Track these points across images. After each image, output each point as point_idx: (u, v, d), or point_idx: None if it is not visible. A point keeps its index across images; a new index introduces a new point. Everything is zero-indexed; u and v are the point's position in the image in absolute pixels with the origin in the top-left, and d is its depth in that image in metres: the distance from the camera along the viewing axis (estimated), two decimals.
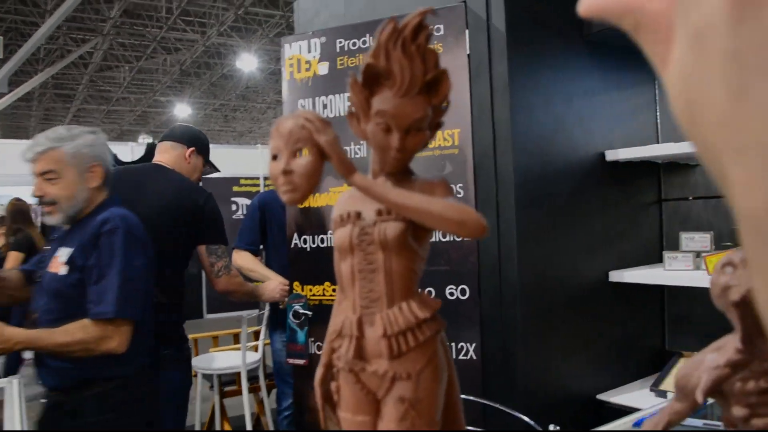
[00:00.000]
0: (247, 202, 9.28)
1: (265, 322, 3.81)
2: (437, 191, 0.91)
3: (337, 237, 0.94)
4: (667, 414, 0.65)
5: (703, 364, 0.58)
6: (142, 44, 14.06)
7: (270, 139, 0.92)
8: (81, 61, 14.51)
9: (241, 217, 9.20)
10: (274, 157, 0.91)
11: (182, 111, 17.97)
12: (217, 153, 10.23)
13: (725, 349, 0.57)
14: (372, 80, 0.90)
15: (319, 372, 1.00)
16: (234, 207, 9.15)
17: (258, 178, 9.44)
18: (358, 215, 0.92)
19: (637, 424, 1.49)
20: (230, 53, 14.70)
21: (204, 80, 16.65)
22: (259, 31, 13.52)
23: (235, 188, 9.22)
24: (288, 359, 2.95)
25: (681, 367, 0.60)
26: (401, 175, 0.95)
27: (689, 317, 3.13)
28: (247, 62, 14.18)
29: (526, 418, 1.70)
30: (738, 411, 0.56)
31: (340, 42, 2.87)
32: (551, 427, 1.80)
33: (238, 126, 23.43)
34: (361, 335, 0.90)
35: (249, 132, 24.53)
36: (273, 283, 3.12)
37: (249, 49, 13.92)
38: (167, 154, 2.83)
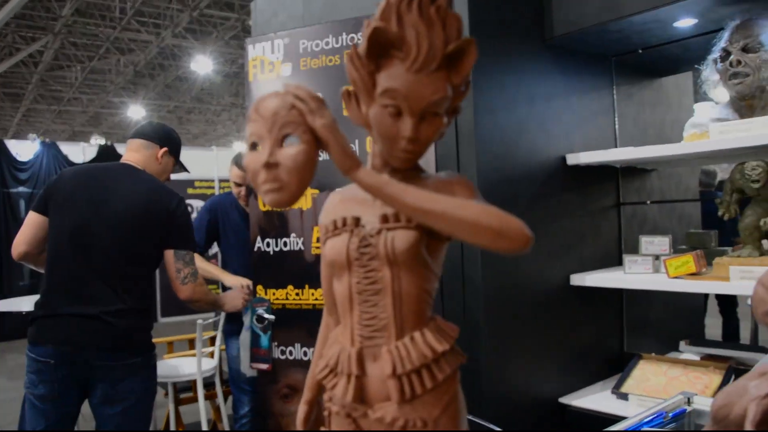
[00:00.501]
0: (202, 204, 9.13)
1: (220, 327, 3.73)
2: (457, 192, 0.73)
3: (329, 249, 0.76)
4: None
5: (746, 393, 0.53)
6: (94, 44, 13.71)
7: (247, 123, 0.74)
8: (31, 59, 14.08)
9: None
10: (253, 146, 0.73)
11: (136, 112, 17.58)
12: None
13: None
14: (379, 50, 0.72)
15: (301, 411, 0.85)
16: (188, 209, 8.98)
17: (213, 181, 9.29)
18: (357, 222, 0.75)
19: None
20: (185, 55, 14.45)
21: (158, 82, 16.33)
22: (214, 33, 13.32)
23: (190, 190, 9.06)
24: (251, 363, 2.89)
25: (717, 396, 0.55)
26: (409, 172, 0.76)
27: (647, 320, 3.18)
28: (202, 64, 13.95)
29: (497, 429, 1.65)
30: None
31: (303, 43, 2.83)
32: None
33: (193, 128, 23.06)
34: (362, 373, 0.72)
35: (203, 134, 24.18)
36: (234, 293, 3.04)
37: (204, 51, 13.70)
38: (138, 154, 2.70)
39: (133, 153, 2.71)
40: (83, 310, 2.35)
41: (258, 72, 2.94)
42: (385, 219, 0.72)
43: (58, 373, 2.32)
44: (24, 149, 8.86)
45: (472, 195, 0.73)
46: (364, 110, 0.75)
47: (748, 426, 0.51)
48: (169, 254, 2.54)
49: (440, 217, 0.65)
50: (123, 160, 2.70)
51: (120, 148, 8.50)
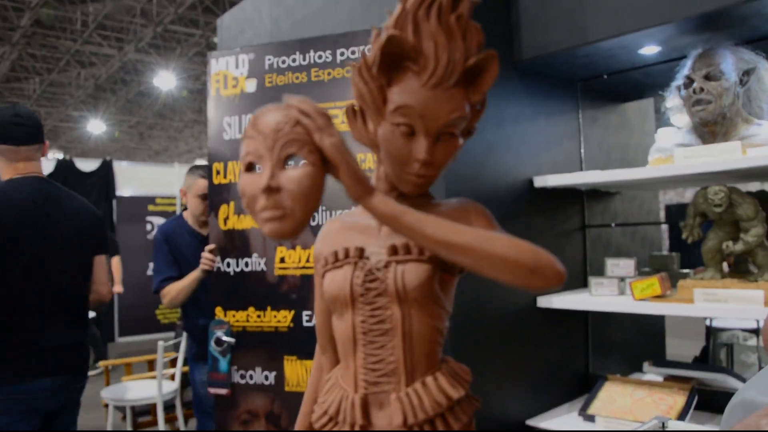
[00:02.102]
0: (163, 221, 8.97)
1: (182, 349, 3.64)
2: (474, 221, 0.65)
3: (329, 284, 0.67)
4: None
5: (760, 429, 0.51)
6: (54, 56, 13.47)
7: (243, 139, 0.63)
8: None
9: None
10: (250, 167, 0.64)
11: (96, 127, 17.28)
12: (133, 171, 9.88)
13: None
14: (391, 62, 0.64)
15: None
16: (149, 227, 8.81)
17: (174, 198, 9.15)
18: (361, 253, 0.67)
19: None
20: (148, 70, 14.28)
21: (120, 96, 16.10)
22: (178, 49, 13.21)
23: (151, 207, 8.89)
24: (209, 389, 2.81)
25: (739, 424, 0.53)
26: (419, 198, 0.69)
27: (611, 341, 3.20)
28: (165, 80, 13.80)
29: None
30: None
31: (269, 59, 2.80)
32: None
33: (155, 144, 22.76)
34: (366, 423, 0.65)
35: (165, 151, 23.87)
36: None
37: (167, 66, 13.57)
38: (38, 163, 2.49)
39: (36, 164, 2.48)
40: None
41: (221, 87, 2.89)
42: (394, 251, 0.64)
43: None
44: None
45: (490, 225, 0.68)
46: (372, 128, 0.67)
47: None
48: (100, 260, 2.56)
49: (465, 250, 0.58)
50: (32, 173, 2.45)
51: (79, 163, 8.33)
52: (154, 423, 3.74)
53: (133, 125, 19.59)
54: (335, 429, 0.67)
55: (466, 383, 0.67)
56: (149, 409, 3.85)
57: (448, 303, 0.67)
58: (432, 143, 0.65)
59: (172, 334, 3.63)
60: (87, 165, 8.42)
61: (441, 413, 0.63)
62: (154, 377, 3.66)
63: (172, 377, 3.71)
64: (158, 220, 8.85)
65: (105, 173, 8.41)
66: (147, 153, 24.03)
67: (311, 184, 0.61)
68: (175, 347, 3.89)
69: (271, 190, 0.61)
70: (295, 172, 0.62)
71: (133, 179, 9.08)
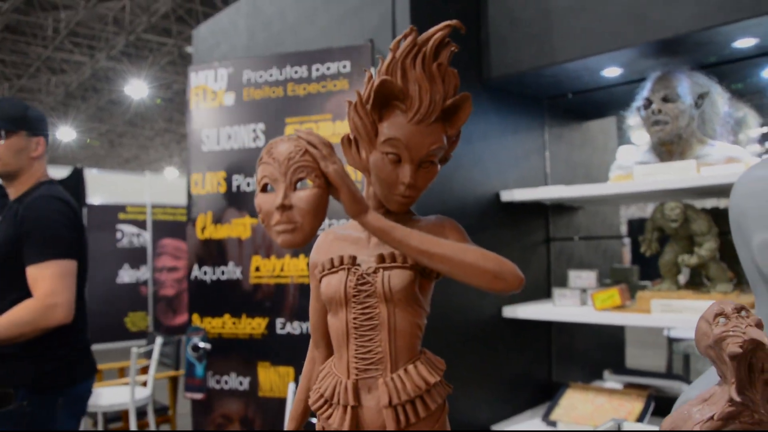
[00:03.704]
0: (134, 230, 8.93)
1: (155, 356, 3.67)
2: (449, 235, 0.79)
3: (326, 286, 0.79)
4: None
5: (691, 418, 0.60)
6: (24, 62, 13.32)
7: (259, 164, 0.77)
8: None
9: (126, 245, 8.83)
10: (264, 188, 0.77)
11: (65, 134, 17.09)
12: (104, 179, 9.79)
13: (713, 400, 0.58)
14: (383, 101, 0.77)
15: None
16: (119, 235, 8.77)
17: (145, 206, 9.11)
18: (353, 261, 0.79)
19: None
20: (119, 78, 14.19)
21: (90, 104, 15.96)
22: (150, 57, 13.17)
23: (121, 215, 8.84)
24: (186, 393, 2.86)
25: (664, 422, 0.62)
26: (404, 215, 0.82)
27: (573, 350, 3.31)
28: (137, 88, 13.74)
29: None
30: None
31: (247, 73, 2.88)
32: None
33: (125, 152, 22.55)
34: (357, 404, 0.76)
35: (136, 159, 23.66)
36: None
37: (139, 75, 13.51)
38: None
39: None
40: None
41: (200, 100, 2.96)
42: (381, 259, 0.76)
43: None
44: None
45: (463, 238, 0.80)
46: (364, 156, 0.79)
47: None
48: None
49: (443, 259, 0.72)
50: None
51: (49, 171, 8.21)
52: (126, 429, 3.77)
53: (104, 133, 19.41)
54: (330, 410, 0.78)
55: (441, 371, 0.79)
56: (120, 416, 3.87)
57: (426, 303, 0.79)
58: (415, 170, 0.78)
59: (140, 341, 3.65)
60: (58, 172, 8.36)
61: (420, 395, 0.75)
62: (126, 384, 3.68)
63: (144, 384, 3.73)
64: (129, 229, 8.80)
65: (76, 180, 8.36)
66: (117, 161, 23.79)
67: (318, 203, 0.74)
68: (147, 355, 3.92)
69: (284, 207, 0.74)
70: (305, 193, 0.74)
71: (103, 187, 9.02)
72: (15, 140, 2.19)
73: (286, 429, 0.88)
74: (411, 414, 0.75)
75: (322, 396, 0.79)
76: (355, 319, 0.77)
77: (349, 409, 0.76)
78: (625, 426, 1.70)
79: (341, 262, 0.79)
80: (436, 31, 0.77)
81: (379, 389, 0.75)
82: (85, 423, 3.69)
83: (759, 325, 0.56)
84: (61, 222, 2.17)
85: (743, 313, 0.57)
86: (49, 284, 2.05)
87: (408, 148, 0.77)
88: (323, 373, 0.81)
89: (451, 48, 0.78)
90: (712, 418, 0.57)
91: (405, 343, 0.77)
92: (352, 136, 0.81)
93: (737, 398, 0.56)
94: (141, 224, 9.01)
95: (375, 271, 0.77)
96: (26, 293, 2.08)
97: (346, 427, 0.75)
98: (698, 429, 0.58)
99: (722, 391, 0.58)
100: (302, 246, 0.76)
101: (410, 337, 0.77)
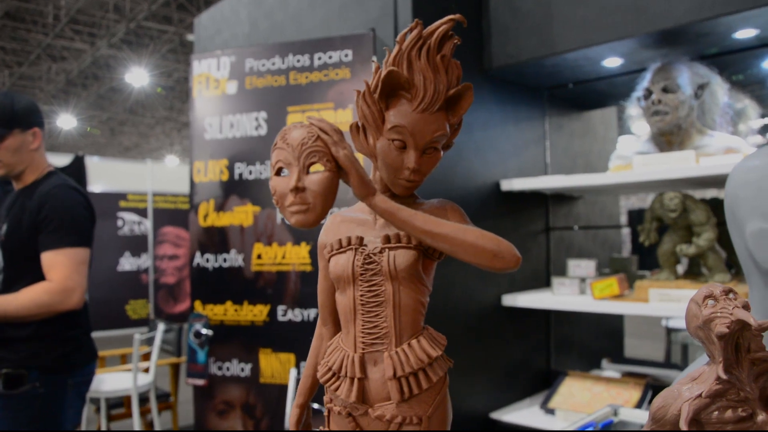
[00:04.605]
0: (135, 218, 8.95)
1: (156, 343, 3.70)
2: (450, 216, 0.83)
3: (334, 265, 0.83)
4: None
5: (681, 396, 0.63)
6: (24, 50, 13.30)
7: (273, 149, 0.82)
8: None
9: (128, 233, 8.86)
10: (278, 171, 0.81)
11: (66, 122, 17.08)
12: (105, 166, 9.79)
13: (702, 379, 0.61)
14: (389, 91, 0.81)
15: (294, 414, 0.92)
16: (120, 222, 8.79)
17: (146, 194, 9.13)
18: (361, 241, 0.83)
19: None
20: (120, 66, 14.17)
21: (91, 92, 15.94)
22: (150, 45, 13.14)
23: (123, 203, 8.86)
24: (188, 379, 2.89)
25: (655, 399, 0.65)
26: (408, 198, 0.85)
27: (572, 339, 3.34)
28: (137, 76, 13.72)
29: None
30: None
31: (250, 62, 2.89)
32: None
33: (126, 140, 22.54)
34: (363, 376, 0.80)
35: (136, 147, 23.65)
36: None
37: (140, 63, 13.49)
38: None
39: None
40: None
41: (203, 88, 2.97)
42: (387, 239, 0.80)
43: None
44: None
45: (463, 220, 0.83)
46: (372, 142, 0.83)
47: (683, 424, 0.61)
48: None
49: (444, 239, 0.75)
50: None
51: (51, 158, 8.22)
52: (128, 415, 3.81)
53: (104, 121, 19.39)
54: (337, 382, 0.82)
55: (443, 346, 0.83)
56: (122, 402, 3.91)
57: (429, 282, 0.83)
58: (419, 155, 0.81)
59: (142, 329, 3.69)
60: (59, 160, 8.38)
61: (423, 368, 0.80)
62: (128, 370, 3.72)
63: (146, 370, 3.77)
64: (130, 217, 8.83)
65: (77, 168, 8.38)
66: (117, 149, 23.79)
67: (329, 186, 0.78)
68: (149, 341, 3.95)
69: (298, 189, 0.78)
70: (317, 176, 0.78)
71: (104, 175, 9.04)
72: (10, 141, 2.21)
73: (294, 404, 0.92)
74: (414, 385, 0.79)
75: (330, 369, 0.83)
76: (361, 296, 0.81)
77: (355, 380, 0.80)
78: (621, 412, 1.73)
79: (349, 243, 0.83)
80: (440, 25, 0.80)
81: (384, 362, 0.79)
82: (88, 409, 3.73)
83: (746, 307, 0.58)
84: (79, 211, 2.25)
85: (731, 295, 0.59)
86: (66, 270, 2.13)
87: (413, 135, 0.80)
88: (331, 348, 0.85)
89: (454, 41, 0.82)
90: (700, 395, 0.60)
91: (409, 319, 0.81)
92: (360, 124, 0.85)
93: (724, 376, 0.59)
94: (142, 212, 9.03)
95: (381, 251, 0.81)
96: (38, 280, 2.14)
97: (352, 398, 0.80)
98: (687, 406, 0.60)
99: (710, 370, 0.61)
100: (314, 225, 0.80)
101: (414, 313, 0.81)
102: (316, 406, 0.91)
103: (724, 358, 0.59)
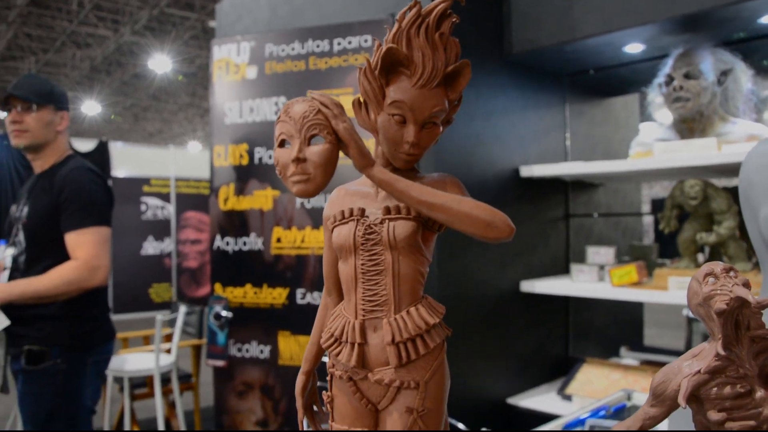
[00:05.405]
0: (158, 202, 9.06)
1: (178, 324, 3.76)
2: (449, 189, 0.85)
3: (337, 235, 0.86)
4: (640, 419, 0.69)
5: (681, 372, 0.64)
6: (50, 36, 13.44)
7: (277, 122, 0.86)
8: None
9: (151, 217, 8.97)
10: (281, 143, 0.85)
11: (90, 108, 17.26)
12: (128, 152, 9.88)
13: (702, 356, 0.62)
14: (389, 67, 0.84)
15: (300, 381, 0.95)
16: (143, 207, 8.90)
17: (169, 179, 9.23)
18: (362, 212, 0.86)
19: (568, 426, 1.58)
20: (143, 53, 14.27)
21: (114, 78, 16.08)
22: (173, 32, 13.20)
23: (146, 188, 8.97)
24: (208, 360, 2.94)
25: (656, 375, 0.66)
26: (408, 172, 0.88)
27: (590, 326, 3.33)
28: (160, 63, 13.81)
29: (461, 425, 1.75)
30: (714, 416, 0.60)
31: (269, 47, 2.90)
32: (483, 430, 1.89)
33: (149, 126, 22.73)
34: (364, 341, 0.83)
35: (159, 133, 23.84)
36: None
37: (162, 49, 13.57)
38: None
39: None
40: None
41: (223, 73, 2.99)
42: (387, 211, 0.84)
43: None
44: None
45: (461, 192, 0.86)
46: (373, 117, 0.86)
47: (681, 399, 0.63)
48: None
49: (441, 209, 0.78)
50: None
51: (75, 143, 8.37)
52: (150, 395, 3.88)
53: (128, 107, 19.57)
54: (339, 348, 0.85)
55: (441, 315, 0.84)
56: (145, 382, 3.98)
57: (428, 253, 0.85)
58: (419, 130, 0.84)
59: (165, 312, 3.75)
60: (83, 145, 8.50)
61: (420, 334, 0.82)
62: (151, 350, 3.78)
63: (168, 351, 3.83)
64: (154, 201, 8.93)
65: (101, 153, 8.49)
66: (141, 135, 24.01)
67: (329, 157, 0.81)
68: (171, 323, 4.02)
69: (299, 160, 0.81)
70: (317, 148, 0.82)
71: (128, 160, 9.14)
72: (44, 113, 2.34)
73: (300, 371, 0.96)
74: (412, 351, 0.81)
75: (332, 335, 0.86)
76: (362, 265, 0.84)
77: (356, 346, 0.83)
78: (635, 396, 1.73)
79: (351, 214, 0.86)
80: (439, 3, 0.83)
81: (383, 328, 0.82)
82: (112, 388, 3.80)
83: (746, 285, 0.59)
84: (98, 192, 2.34)
85: (732, 273, 0.60)
86: (91, 249, 2.22)
87: (412, 110, 0.83)
88: (334, 315, 0.88)
89: (452, 19, 0.84)
90: (699, 371, 0.61)
91: (408, 288, 0.83)
92: (362, 100, 0.88)
93: (723, 353, 0.59)
94: (165, 197, 9.13)
95: (381, 222, 0.84)
96: (58, 261, 2.23)
97: (353, 363, 0.83)
98: (686, 381, 0.61)
99: (710, 347, 0.62)
100: (314, 194, 0.83)
101: (412, 282, 0.83)
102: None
103: (723, 334, 0.59)
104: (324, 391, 0.90)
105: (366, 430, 0.86)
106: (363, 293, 0.84)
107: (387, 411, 0.83)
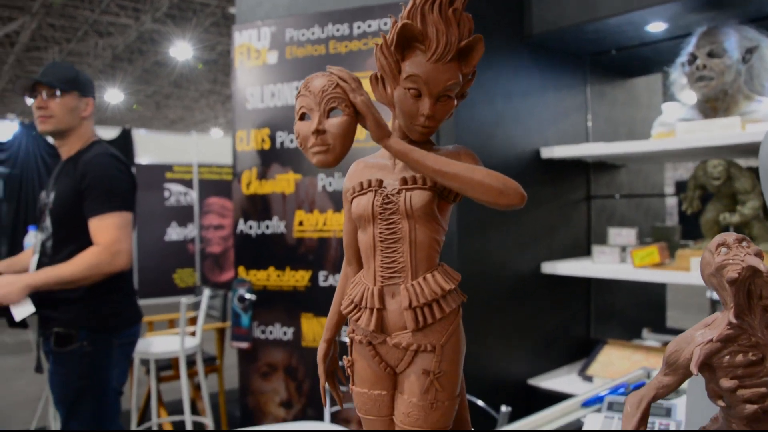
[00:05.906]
0: (181, 189, 9.15)
1: (203, 308, 3.81)
2: (464, 159, 0.88)
3: (356, 205, 0.89)
4: (654, 387, 0.69)
5: (693, 341, 0.65)
6: (72, 26, 13.56)
7: (297, 97, 0.89)
8: (7, 39, 13.89)
9: (174, 204, 9.07)
10: (302, 117, 0.88)
11: (113, 96, 17.42)
12: (151, 139, 9.97)
13: (715, 325, 0.63)
14: (404, 43, 0.86)
15: (321, 348, 0.99)
16: (167, 194, 8.99)
17: (191, 166, 9.31)
18: (380, 183, 0.88)
19: (586, 404, 1.60)
20: (164, 40, 14.34)
21: (136, 66, 16.20)
22: (194, 19, 13.25)
23: (169, 175, 9.05)
24: (232, 342, 2.99)
25: (669, 344, 0.68)
26: (424, 144, 0.90)
27: (612, 308, 3.33)
28: (182, 50, 13.87)
29: (480, 402, 1.76)
30: (726, 383, 0.61)
31: (290, 32, 2.92)
32: (503, 408, 1.91)
33: (171, 113, 22.89)
34: (382, 307, 0.86)
35: (181, 120, 24.00)
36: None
37: (183, 37, 13.62)
38: None
39: None
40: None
41: (244, 59, 3.01)
42: (404, 181, 0.86)
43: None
44: (2, 129, 8.78)
45: (476, 162, 0.88)
46: (389, 91, 0.89)
47: (693, 367, 0.64)
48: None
49: (454, 177, 0.81)
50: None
51: (99, 131, 8.41)
52: (176, 377, 3.94)
53: (150, 95, 19.71)
54: (359, 314, 0.88)
55: (456, 281, 0.87)
56: (170, 364, 4.05)
57: (444, 222, 0.88)
58: (434, 103, 0.86)
59: (189, 296, 3.81)
60: (107, 133, 8.60)
61: (436, 299, 0.84)
62: (176, 333, 3.84)
63: (193, 333, 3.89)
64: (176, 188, 9.02)
65: (125, 141, 8.59)
66: (163, 122, 24.18)
67: (347, 128, 0.85)
68: (195, 306, 4.08)
69: (319, 132, 0.84)
70: (336, 120, 0.85)
71: (151, 147, 9.23)
72: (69, 99, 2.39)
73: (322, 339, 0.99)
74: (428, 315, 0.84)
75: (352, 302, 0.89)
76: (380, 233, 0.87)
77: (375, 311, 0.86)
78: (654, 375, 1.73)
79: (369, 185, 0.89)
80: None
81: (401, 294, 0.85)
82: (138, 370, 3.87)
83: (759, 255, 0.59)
84: (120, 177, 2.38)
85: (744, 243, 0.61)
86: (113, 233, 2.27)
87: (427, 83, 0.85)
88: (354, 283, 0.91)
89: None
90: (711, 340, 0.62)
91: (424, 255, 0.86)
92: (378, 75, 0.90)
93: (735, 321, 0.60)
94: (188, 183, 9.21)
95: (398, 192, 0.86)
96: (83, 245, 2.27)
97: (372, 327, 0.86)
98: (698, 350, 0.62)
99: (723, 316, 0.63)
100: (334, 165, 0.86)
101: (429, 249, 0.86)
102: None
103: (735, 303, 0.60)
104: (345, 356, 0.93)
105: (383, 391, 0.89)
106: (381, 261, 0.86)
107: (405, 374, 0.86)
